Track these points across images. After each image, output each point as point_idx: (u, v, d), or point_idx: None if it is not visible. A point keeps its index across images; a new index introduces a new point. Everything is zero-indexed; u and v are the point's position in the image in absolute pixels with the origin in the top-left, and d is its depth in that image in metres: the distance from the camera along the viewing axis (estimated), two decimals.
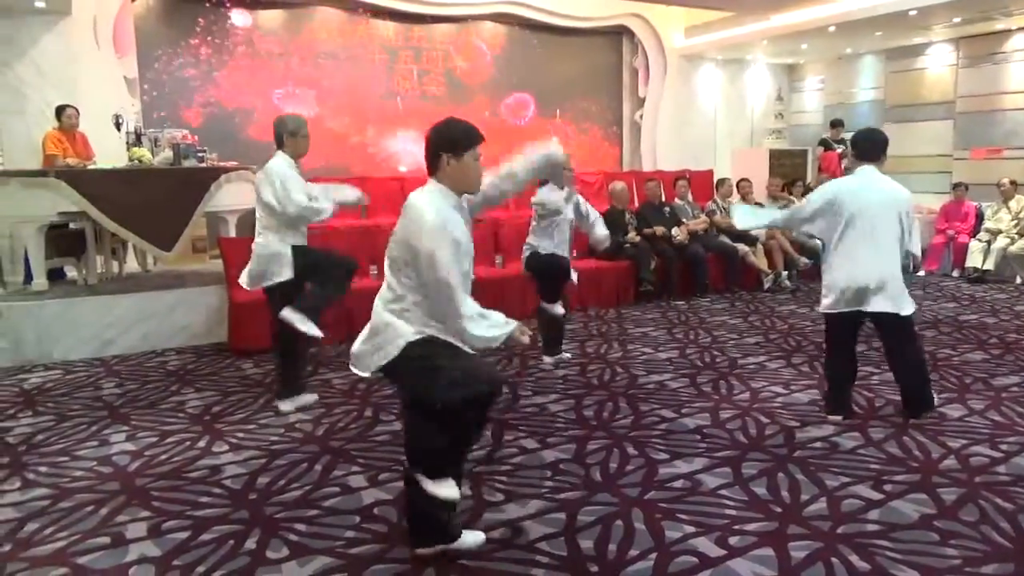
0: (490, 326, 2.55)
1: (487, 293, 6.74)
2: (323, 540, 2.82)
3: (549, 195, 5.09)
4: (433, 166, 2.61)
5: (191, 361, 5.49)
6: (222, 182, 6.20)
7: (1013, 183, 8.43)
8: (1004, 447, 3.59)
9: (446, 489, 2.61)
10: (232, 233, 6.73)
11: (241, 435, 3.95)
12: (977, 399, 4.30)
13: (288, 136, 4.18)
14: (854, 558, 2.61)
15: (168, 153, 6.27)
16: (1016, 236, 8.20)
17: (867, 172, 4.02)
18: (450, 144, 2.57)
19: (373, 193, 7.85)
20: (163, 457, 3.66)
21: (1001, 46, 9.20)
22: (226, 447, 3.78)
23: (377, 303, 2.69)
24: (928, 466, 3.39)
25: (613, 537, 2.79)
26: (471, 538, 2.70)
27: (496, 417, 4.14)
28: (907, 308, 3.85)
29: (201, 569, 2.63)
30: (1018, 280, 8.14)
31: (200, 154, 6.44)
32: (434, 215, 2.51)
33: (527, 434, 3.88)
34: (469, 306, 2.52)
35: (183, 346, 5.87)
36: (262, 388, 4.79)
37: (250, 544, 2.80)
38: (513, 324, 2.58)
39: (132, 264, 7.06)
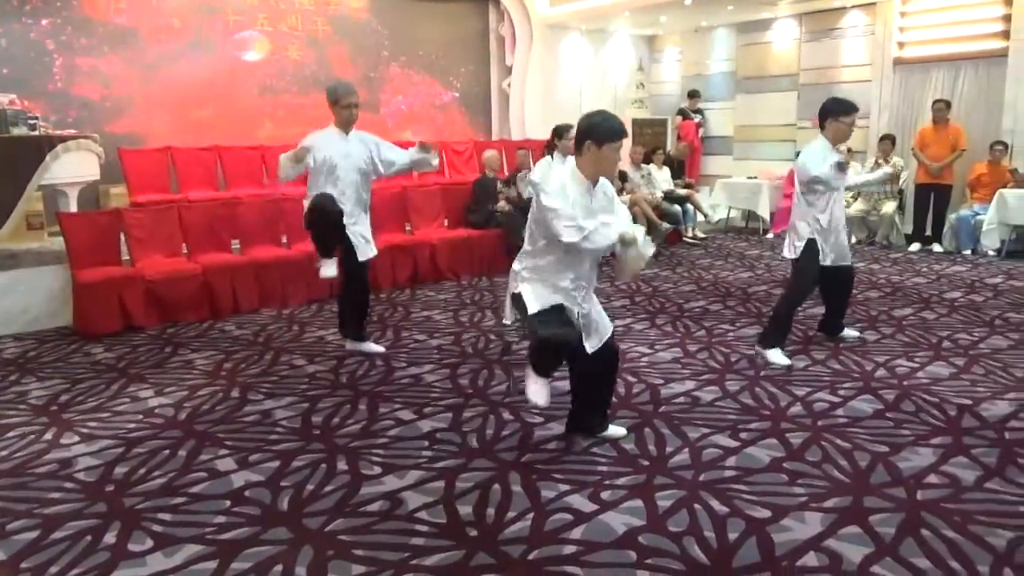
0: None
1: (398, 259, 6.68)
2: (191, 528, 2.69)
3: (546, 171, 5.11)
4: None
5: (32, 348, 5.05)
6: (59, 152, 5.69)
7: (849, 150, 9.12)
8: (842, 392, 3.94)
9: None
10: (73, 208, 6.20)
11: (93, 424, 3.69)
12: (819, 350, 4.69)
13: (330, 105, 4.38)
14: (714, 503, 2.79)
15: None
16: (852, 200, 8.92)
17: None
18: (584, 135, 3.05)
19: (230, 164, 7.53)
20: (3, 453, 3.35)
21: (838, 22, 9.89)
22: (77, 438, 3.52)
23: None
24: (777, 413, 3.66)
25: (491, 501, 2.84)
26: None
27: (370, 390, 4.10)
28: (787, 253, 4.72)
29: (54, 569, 2.45)
30: (854, 240, 8.89)
31: (31, 121, 5.86)
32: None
33: (403, 405, 3.86)
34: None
35: (22, 332, 5.37)
36: (115, 373, 4.49)
37: (109, 538, 2.63)
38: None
39: None
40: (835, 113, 4.43)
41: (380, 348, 4.84)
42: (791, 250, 4.63)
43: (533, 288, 3.12)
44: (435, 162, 4.68)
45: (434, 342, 5.06)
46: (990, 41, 8.50)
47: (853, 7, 9.63)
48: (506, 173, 8.31)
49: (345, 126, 4.39)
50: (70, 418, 3.77)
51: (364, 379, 4.31)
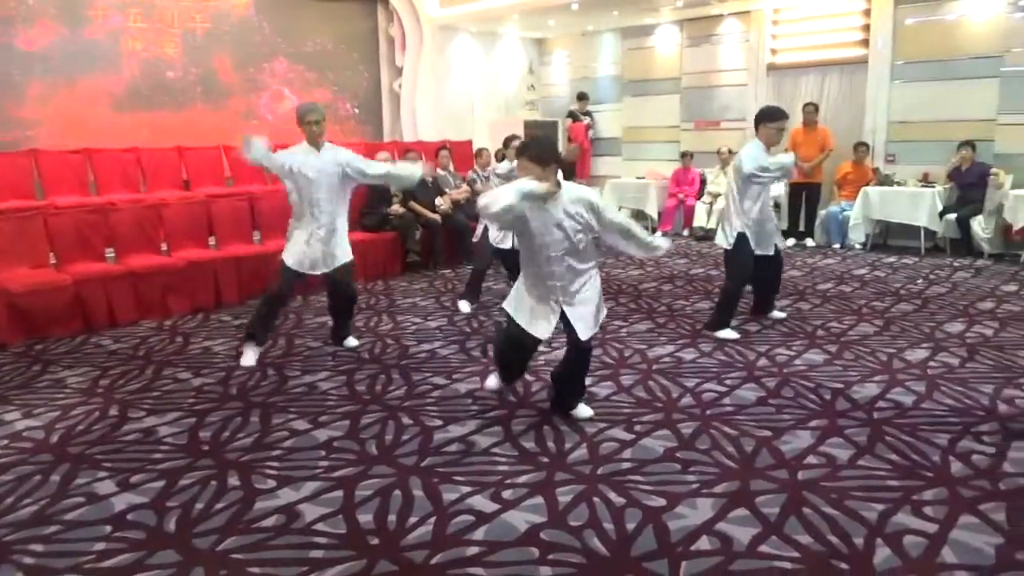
0: None
1: (244, 271, 6.40)
2: (67, 558, 2.51)
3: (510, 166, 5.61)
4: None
5: None
6: None
7: (730, 151, 9.60)
8: (728, 382, 4.13)
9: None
10: None
11: None
12: (706, 342, 4.89)
13: (298, 124, 4.56)
14: (612, 495, 2.86)
15: None
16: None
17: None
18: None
19: (102, 169, 7.08)
20: None
21: (716, 29, 10.35)
22: None
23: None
24: (669, 405, 3.80)
25: (392, 508, 2.80)
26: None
27: (262, 401, 3.96)
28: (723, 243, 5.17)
29: None
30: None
31: None
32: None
33: (297, 415, 3.75)
34: None
35: None
36: None
37: None
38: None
39: None
40: (764, 119, 5.01)
41: (356, 342, 5.04)
42: (726, 240, 5.08)
43: (517, 294, 3.53)
44: (417, 172, 4.79)
45: (329, 348, 4.94)
46: (852, 49, 9.13)
47: (730, 15, 10.11)
48: None
49: (313, 142, 4.53)
50: None
51: (255, 390, 4.16)
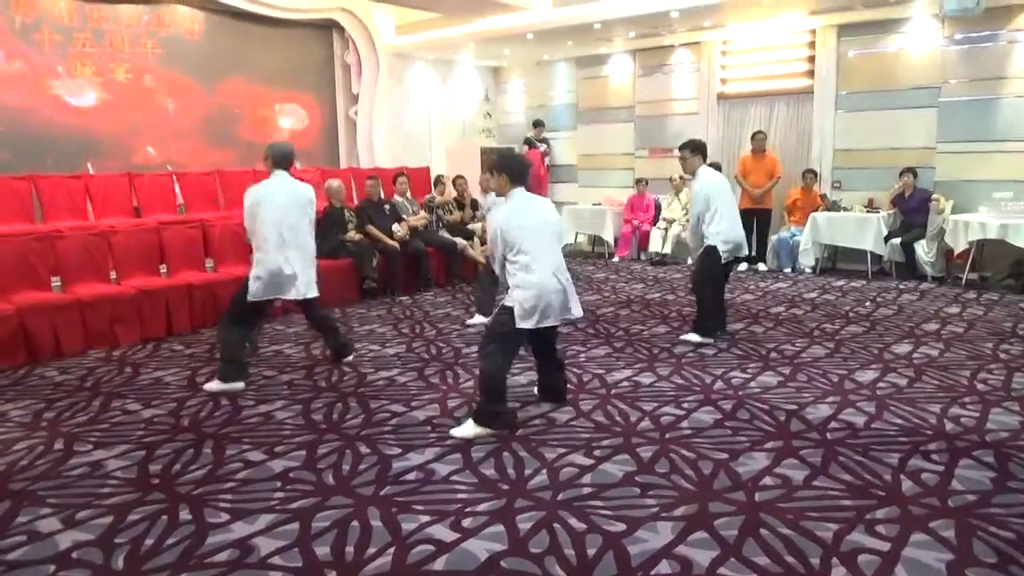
0: None
1: (196, 299, 6.27)
2: None
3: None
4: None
5: None
6: None
7: (682, 178, 9.79)
8: (686, 405, 4.17)
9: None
10: None
11: None
12: (663, 366, 4.94)
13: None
14: (573, 520, 2.85)
15: None
16: (686, 224, 9.53)
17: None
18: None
19: (49, 193, 6.89)
20: None
21: (668, 59, 10.60)
22: None
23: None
24: (628, 429, 3.82)
25: (350, 539, 2.75)
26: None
27: (215, 432, 3.86)
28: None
29: None
30: (689, 261, 9.49)
31: None
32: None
33: (252, 446, 3.67)
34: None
35: None
36: None
37: None
38: None
39: None
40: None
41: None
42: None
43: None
44: None
45: (284, 377, 4.86)
46: (798, 79, 9.43)
47: (681, 45, 10.36)
48: (355, 202, 8.18)
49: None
50: None
51: (208, 421, 4.06)
